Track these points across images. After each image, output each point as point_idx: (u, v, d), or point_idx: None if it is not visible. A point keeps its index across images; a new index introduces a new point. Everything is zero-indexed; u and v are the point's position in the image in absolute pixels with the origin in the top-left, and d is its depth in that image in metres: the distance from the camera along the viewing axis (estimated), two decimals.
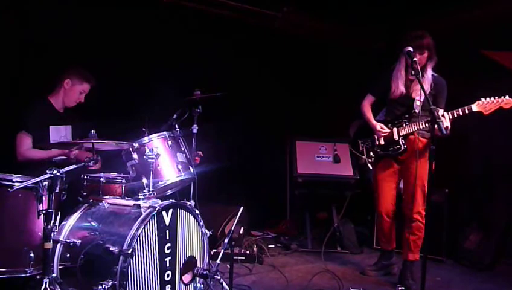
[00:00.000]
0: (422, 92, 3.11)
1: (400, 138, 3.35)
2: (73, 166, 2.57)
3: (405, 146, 3.34)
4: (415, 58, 2.82)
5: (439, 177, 3.29)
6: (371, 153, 3.54)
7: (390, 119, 3.45)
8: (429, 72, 3.25)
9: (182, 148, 3.07)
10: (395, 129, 3.39)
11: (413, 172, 3.24)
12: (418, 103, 3.25)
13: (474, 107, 3.05)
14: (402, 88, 3.30)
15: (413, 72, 2.86)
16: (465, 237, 4.15)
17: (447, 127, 3.03)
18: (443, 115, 3.08)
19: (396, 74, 3.33)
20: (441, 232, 4.11)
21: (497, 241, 4.01)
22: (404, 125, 3.34)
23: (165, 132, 3.01)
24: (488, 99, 3.03)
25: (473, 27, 4.32)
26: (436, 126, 2.58)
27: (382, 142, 3.46)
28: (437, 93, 3.29)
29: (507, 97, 3.01)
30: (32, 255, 2.52)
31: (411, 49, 2.91)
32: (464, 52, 4.25)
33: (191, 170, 3.05)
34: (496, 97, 3.02)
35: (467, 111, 3.06)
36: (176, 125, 3.14)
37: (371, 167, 3.53)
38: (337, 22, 5.10)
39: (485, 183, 4.40)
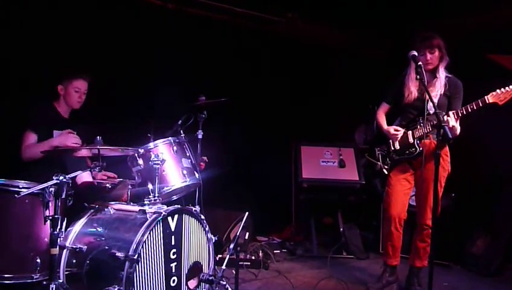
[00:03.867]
0: (437, 94, 3.17)
1: (415, 140, 3.28)
2: (79, 172, 2.58)
3: (420, 148, 3.24)
4: (419, 63, 2.82)
5: (446, 182, 3.29)
6: (387, 160, 3.45)
7: (405, 123, 3.37)
8: (441, 72, 3.21)
9: (187, 154, 3.08)
10: (409, 132, 3.32)
11: (427, 177, 3.19)
12: (431, 104, 3.11)
13: (489, 98, 2.98)
14: (415, 92, 3.26)
15: (418, 77, 2.84)
16: (472, 242, 4.12)
17: (453, 126, 3.01)
18: (448, 115, 3.04)
19: (408, 78, 3.29)
20: (448, 237, 4.08)
21: (505, 246, 3.97)
22: (418, 127, 3.27)
23: (170, 138, 3.02)
24: (502, 89, 2.98)
25: (479, 31, 4.31)
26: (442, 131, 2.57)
27: (397, 146, 3.38)
28: (452, 94, 3.23)
29: None
30: (38, 261, 2.52)
31: (415, 53, 2.93)
32: (470, 56, 4.23)
33: (196, 175, 3.06)
34: (510, 86, 2.97)
35: (481, 104, 2.99)
36: (181, 131, 3.15)
37: (386, 172, 3.43)
38: (341, 28, 5.11)
39: (493, 188, 4.36)
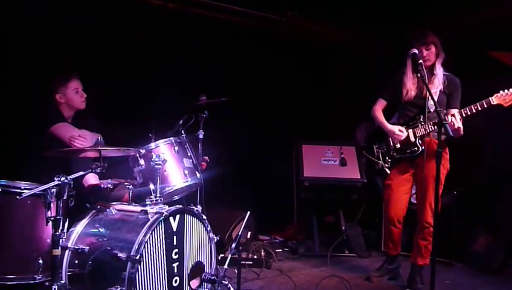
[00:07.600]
0: (436, 91, 3.16)
1: (417, 139, 3.29)
2: (81, 173, 2.58)
3: (423, 147, 3.25)
4: (420, 61, 2.85)
5: (448, 180, 3.29)
6: (387, 158, 3.46)
7: (404, 122, 3.38)
8: (439, 69, 3.22)
9: (189, 154, 3.08)
10: (410, 131, 3.32)
11: (427, 175, 3.21)
12: (431, 102, 3.12)
13: (494, 100, 2.96)
14: (413, 90, 3.28)
15: (418, 75, 2.88)
16: (474, 239, 4.11)
17: (458, 127, 3.00)
18: (453, 115, 3.03)
19: (406, 76, 3.30)
20: (450, 234, 4.07)
21: (506, 243, 3.96)
22: (419, 126, 3.27)
23: (171, 138, 3.02)
24: (506, 90, 2.96)
25: (481, 29, 4.30)
26: (443, 128, 2.57)
27: (398, 145, 3.39)
28: (451, 92, 3.24)
29: None
30: (40, 261, 2.53)
31: (416, 51, 2.94)
32: (471, 53, 4.22)
33: (198, 175, 3.06)
34: None
35: (485, 105, 2.97)
36: (182, 131, 3.15)
37: (388, 172, 3.42)
38: (341, 27, 5.10)
39: (495, 185, 4.35)
